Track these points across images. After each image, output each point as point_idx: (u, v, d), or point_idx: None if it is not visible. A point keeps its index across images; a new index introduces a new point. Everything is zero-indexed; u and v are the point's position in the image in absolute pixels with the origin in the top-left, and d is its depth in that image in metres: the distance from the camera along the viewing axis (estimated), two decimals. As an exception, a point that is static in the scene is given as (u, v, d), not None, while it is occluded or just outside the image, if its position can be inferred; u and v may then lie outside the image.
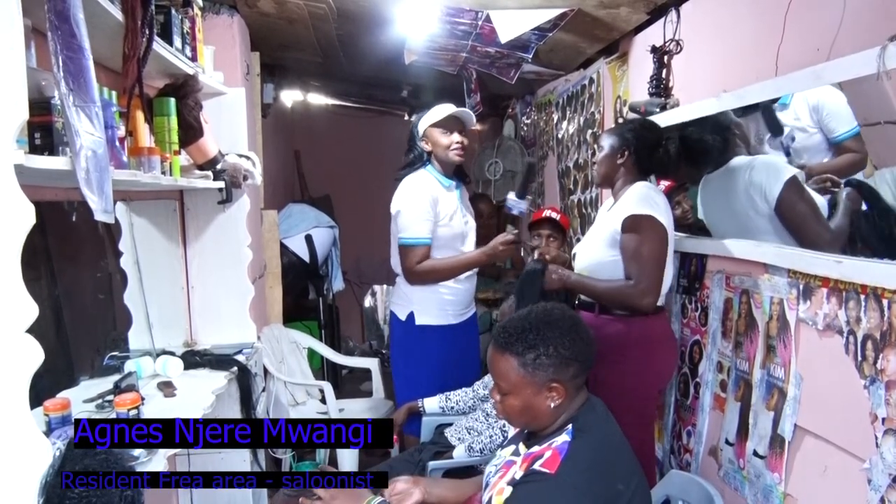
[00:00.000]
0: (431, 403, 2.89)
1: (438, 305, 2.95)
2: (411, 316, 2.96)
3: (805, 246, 1.90)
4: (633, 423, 1.70)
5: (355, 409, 3.77)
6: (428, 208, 2.82)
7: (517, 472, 1.53)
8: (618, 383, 2.18)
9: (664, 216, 2.24)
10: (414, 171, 2.93)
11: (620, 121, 3.02)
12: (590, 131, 3.55)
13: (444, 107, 2.91)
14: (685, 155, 2.48)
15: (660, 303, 2.31)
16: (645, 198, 2.26)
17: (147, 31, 1.85)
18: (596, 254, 2.38)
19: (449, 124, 2.89)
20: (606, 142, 2.43)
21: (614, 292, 2.28)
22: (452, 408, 2.86)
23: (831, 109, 2.03)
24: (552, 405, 1.53)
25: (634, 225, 2.23)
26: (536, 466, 1.46)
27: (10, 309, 1.14)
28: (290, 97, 5.61)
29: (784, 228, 2.05)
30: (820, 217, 1.97)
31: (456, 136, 2.89)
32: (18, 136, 1.17)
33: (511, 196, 2.82)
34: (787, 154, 2.17)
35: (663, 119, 2.50)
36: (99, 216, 1.35)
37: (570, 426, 1.52)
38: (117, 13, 1.72)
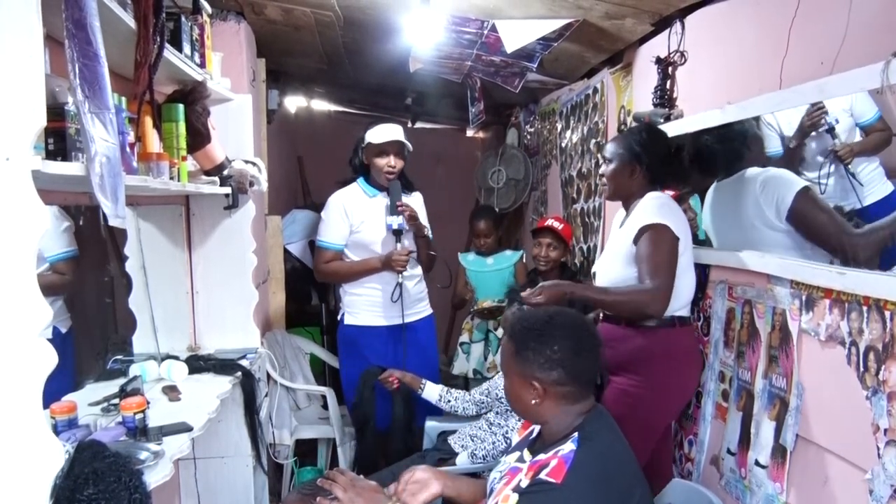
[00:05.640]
0: (432, 389, 2.92)
1: (364, 307, 3.18)
2: (343, 317, 3.25)
3: (831, 255, 1.92)
4: (641, 439, 1.69)
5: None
6: (340, 219, 3.12)
7: (522, 479, 1.54)
8: (637, 396, 2.18)
9: (678, 225, 2.19)
10: (346, 185, 3.22)
11: (624, 129, 3.01)
12: (593, 141, 3.57)
13: (385, 130, 3.11)
14: (698, 162, 2.45)
15: (683, 313, 2.27)
16: (657, 208, 2.22)
17: (158, 39, 1.87)
18: (614, 272, 2.32)
19: (386, 148, 3.09)
20: (615, 155, 2.35)
21: (624, 297, 2.21)
22: (449, 402, 2.87)
23: (859, 97, 2.16)
24: (532, 401, 1.59)
25: (647, 232, 2.18)
26: (542, 476, 1.47)
27: (25, 313, 1.16)
28: (293, 103, 5.63)
29: (802, 239, 2.07)
30: (839, 223, 2.00)
31: (391, 160, 3.09)
32: (35, 142, 1.19)
33: (387, 220, 3.07)
34: (833, 136, 2.26)
35: (667, 130, 2.51)
36: (112, 221, 1.36)
37: (575, 434, 1.53)
38: (130, 20, 1.74)
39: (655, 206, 2.23)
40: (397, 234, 3.06)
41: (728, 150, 2.33)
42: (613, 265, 2.33)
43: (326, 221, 3.16)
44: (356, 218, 3.11)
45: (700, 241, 2.55)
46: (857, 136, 2.31)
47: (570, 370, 1.57)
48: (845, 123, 2.29)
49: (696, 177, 2.57)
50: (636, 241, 2.20)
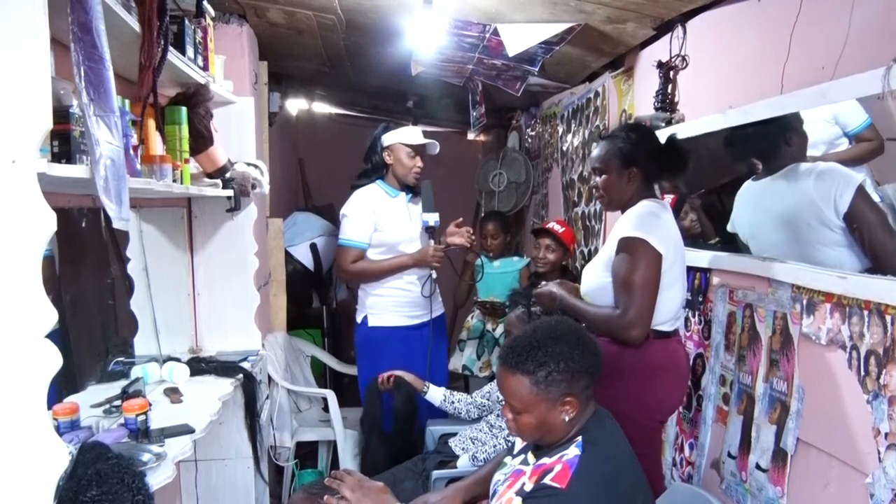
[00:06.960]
0: (435, 392, 2.92)
1: (389, 308, 3.17)
2: (365, 319, 3.20)
3: (876, 259, 1.82)
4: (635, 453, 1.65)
5: (357, 417, 3.77)
6: (367, 217, 3.11)
7: (526, 482, 1.54)
8: (612, 409, 2.11)
9: (662, 238, 2.05)
10: (366, 183, 3.21)
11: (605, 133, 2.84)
12: (594, 144, 3.57)
13: (418, 132, 3.18)
14: (735, 156, 2.32)
15: (665, 328, 2.14)
16: (642, 218, 2.09)
17: (162, 42, 1.88)
18: (594, 278, 2.21)
19: (419, 150, 3.16)
20: (606, 164, 2.21)
21: (601, 320, 2.09)
22: (452, 403, 2.87)
23: (844, 104, 2.03)
24: (566, 418, 1.55)
25: (625, 249, 2.06)
26: (547, 481, 1.47)
27: (30, 315, 1.16)
28: (295, 105, 5.64)
29: (853, 239, 1.91)
30: (891, 227, 1.89)
31: (419, 161, 3.17)
32: (41, 145, 1.19)
33: (423, 216, 3.13)
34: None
35: (668, 133, 2.51)
36: (117, 224, 1.37)
37: (579, 438, 1.53)
38: (134, 24, 1.75)
39: (640, 216, 2.11)
40: (430, 231, 3.11)
41: (769, 145, 2.17)
42: (595, 272, 2.22)
43: (351, 219, 3.12)
44: (382, 217, 3.13)
45: (704, 242, 2.55)
46: (845, 146, 2.21)
47: (593, 370, 1.58)
48: (828, 133, 2.21)
49: (688, 179, 2.51)
50: (617, 250, 2.09)
